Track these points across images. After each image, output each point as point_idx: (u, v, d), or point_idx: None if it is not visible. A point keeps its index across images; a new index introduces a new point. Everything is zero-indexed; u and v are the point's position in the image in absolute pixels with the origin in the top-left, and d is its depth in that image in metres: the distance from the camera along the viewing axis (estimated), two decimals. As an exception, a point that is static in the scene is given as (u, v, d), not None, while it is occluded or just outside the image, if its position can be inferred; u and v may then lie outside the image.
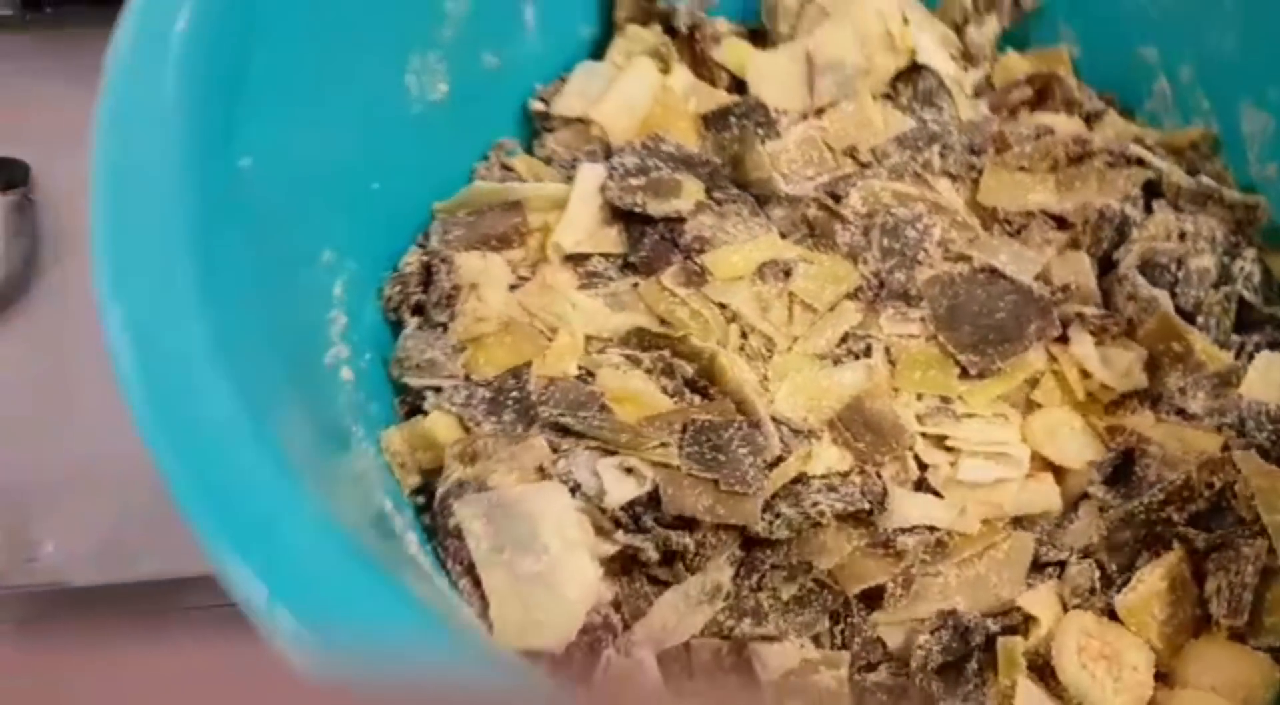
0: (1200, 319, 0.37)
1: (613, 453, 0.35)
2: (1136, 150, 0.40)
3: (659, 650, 0.32)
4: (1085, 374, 0.36)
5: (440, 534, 0.33)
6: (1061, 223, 0.39)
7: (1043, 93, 0.43)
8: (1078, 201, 0.39)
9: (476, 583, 0.32)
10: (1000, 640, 0.31)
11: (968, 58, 0.44)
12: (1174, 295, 0.37)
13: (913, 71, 0.43)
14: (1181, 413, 0.35)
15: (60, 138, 0.33)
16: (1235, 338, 0.37)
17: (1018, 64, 0.44)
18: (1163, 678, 0.30)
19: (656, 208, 0.40)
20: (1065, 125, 0.41)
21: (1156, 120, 0.43)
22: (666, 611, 0.33)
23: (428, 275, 0.38)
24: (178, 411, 0.22)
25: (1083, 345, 0.36)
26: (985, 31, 0.44)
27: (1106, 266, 0.39)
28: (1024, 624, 0.31)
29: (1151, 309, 0.37)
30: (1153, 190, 0.40)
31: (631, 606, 0.34)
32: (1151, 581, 0.30)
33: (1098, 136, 0.41)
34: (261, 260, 0.28)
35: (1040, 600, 0.31)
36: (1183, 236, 0.38)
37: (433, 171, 0.40)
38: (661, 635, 0.33)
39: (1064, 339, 0.37)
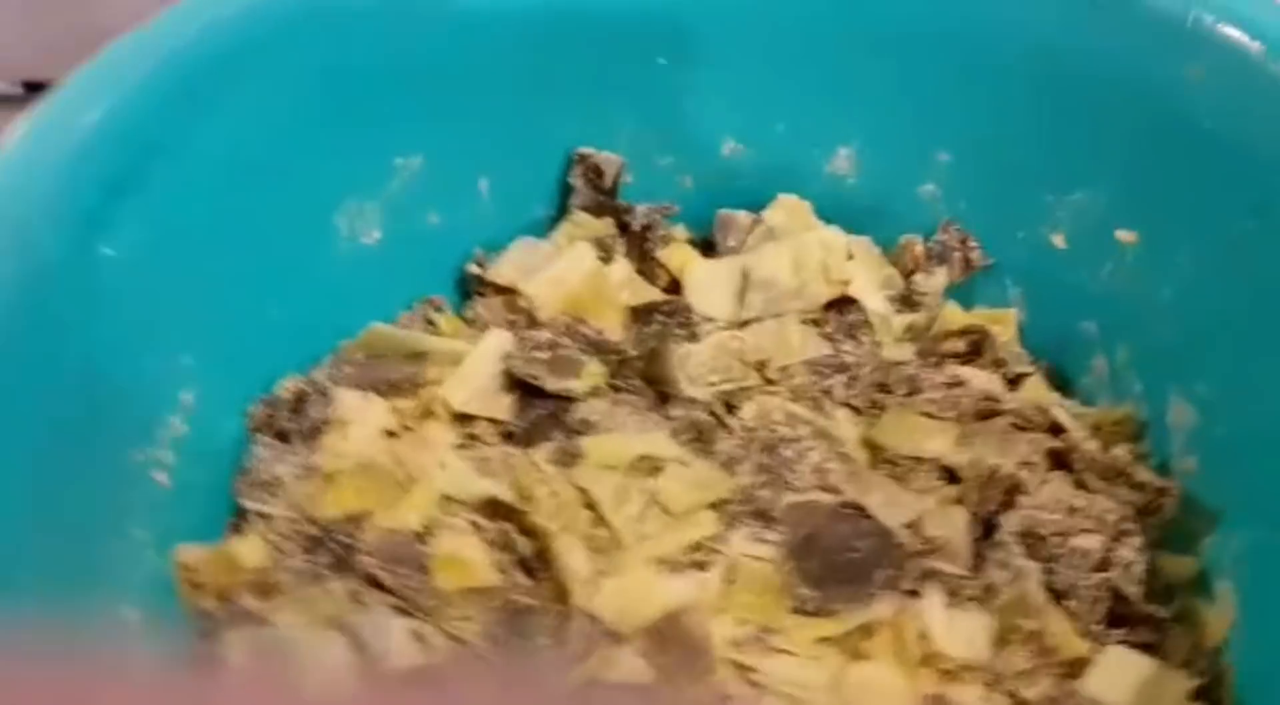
0: (1071, 603, 0.34)
1: (410, 613, 0.33)
2: (1056, 412, 0.39)
3: None
4: (926, 638, 0.33)
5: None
6: (954, 476, 0.38)
7: (977, 348, 0.42)
8: (973, 457, 0.37)
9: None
10: None
11: (909, 303, 0.44)
12: (1050, 572, 0.35)
13: (844, 303, 0.43)
14: (1012, 696, 0.32)
15: None
16: (1104, 630, 0.34)
17: (955, 317, 0.43)
18: None
19: (552, 383, 0.40)
20: (979, 380, 0.40)
21: (1091, 396, 0.41)
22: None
23: (299, 404, 0.38)
24: None
25: (932, 604, 0.34)
26: (933, 282, 0.44)
27: (991, 529, 0.36)
28: None
29: (1019, 581, 0.34)
30: (1061, 463, 0.38)
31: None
32: None
33: (1011, 398, 0.39)
34: (89, 340, 0.29)
35: None
36: (1072, 512, 0.36)
37: (349, 311, 0.41)
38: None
39: (918, 593, 0.34)
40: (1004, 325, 0.43)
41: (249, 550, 0.34)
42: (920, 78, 0.42)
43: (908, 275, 0.45)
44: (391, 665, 0.32)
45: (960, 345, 0.42)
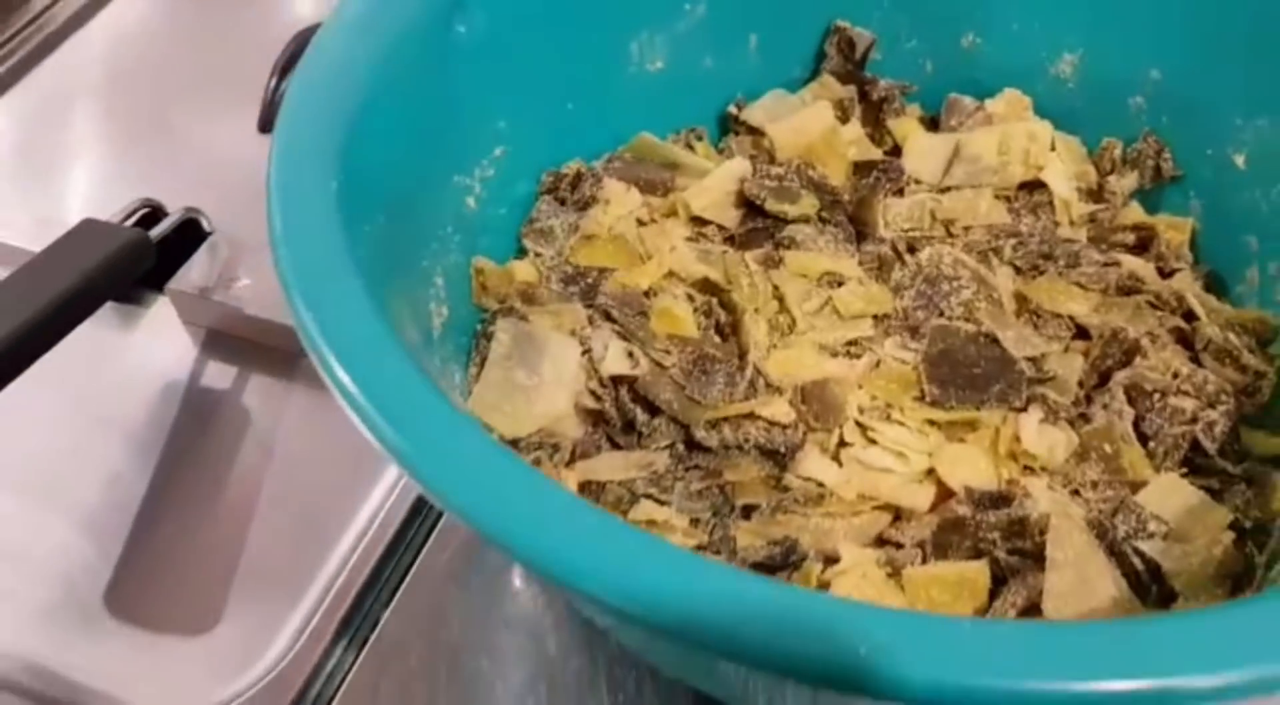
0: (1151, 445, 0.41)
1: (627, 339, 0.44)
2: (1190, 299, 0.45)
3: (580, 480, 0.42)
4: (1019, 439, 0.41)
5: (480, 337, 0.44)
6: (1087, 335, 0.45)
7: (1144, 243, 0.48)
8: (1105, 320, 0.44)
9: (480, 371, 0.43)
10: (807, 563, 0.37)
11: (1097, 198, 0.50)
12: (1143, 419, 0.42)
13: (1036, 186, 0.50)
14: (1075, 493, 0.40)
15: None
16: (1176, 469, 0.40)
17: (1134, 214, 0.49)
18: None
19: (772, 205, 0.49)
20: (1133, 264, 0.46)
21: (1240, 302, 0.47)
22: (605, 462, 0.42)
23: (577, 181, 0.49)
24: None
25: (1029, 418, 0.41)
26: (1124, 183, 0.50)
27: (1106, 380, 0.43)
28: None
29: (1113, 417, 0.41)
30: (1185, 343, 0.44)
31: (585, 448, 0.43)
32: (944, 568, 0.36)
33: (1155, 282, 0.46)
34: (437, 88, 0.41)
35: (854, 554, 0.37)
36: (1177, 377, 0.42)
37: (629, 121, 0.51)
38: (589, 474, 0.42)
39: (1025, 411, 0.42)
40: (1180, 231, 0.49)
41: (524, 270, 0.46)
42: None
43: (1104, 175, 0.51)
44: (606, 369, 0.43)
45: (1130, 238, 0.48)
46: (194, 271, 0.56)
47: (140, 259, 0.51)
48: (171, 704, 0.42)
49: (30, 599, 0.46)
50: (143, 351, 0.56)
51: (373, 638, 0.43)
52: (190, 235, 0.57)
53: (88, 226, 0.51)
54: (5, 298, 0.46)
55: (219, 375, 0.55)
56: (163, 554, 0.47)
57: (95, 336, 0.56)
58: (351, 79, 0.37)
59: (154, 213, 0.57)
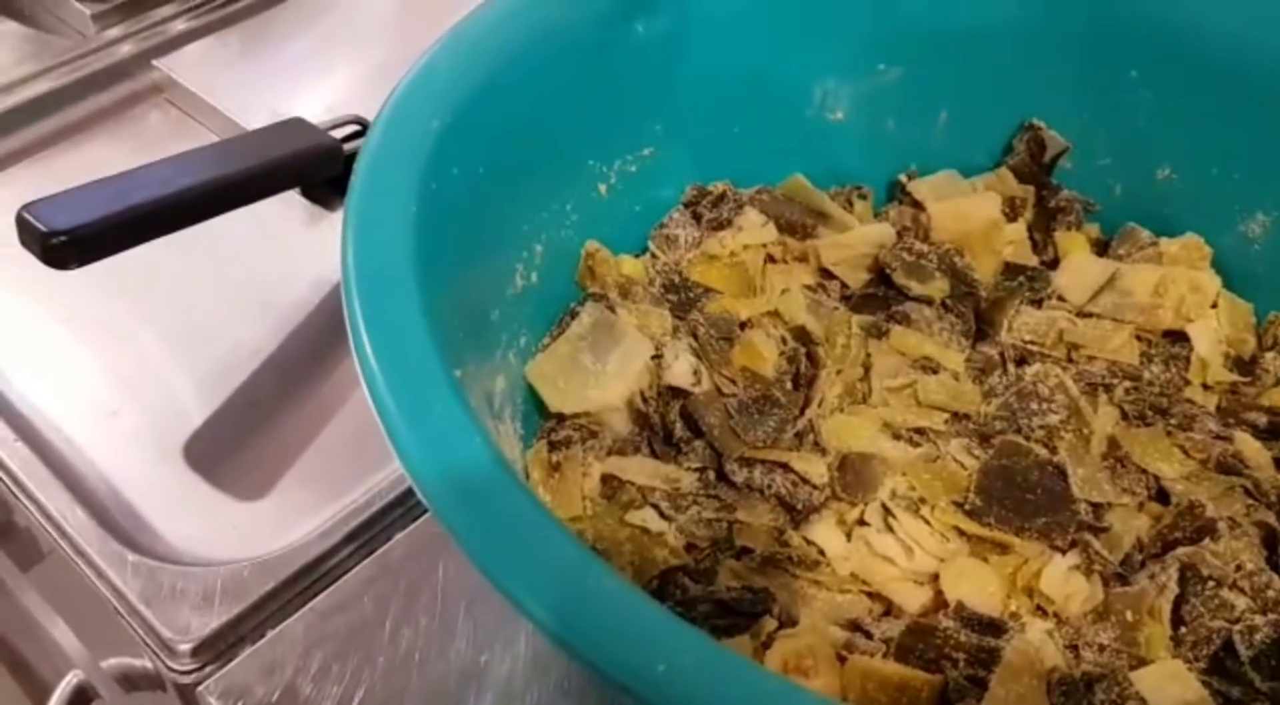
0: (1183, 630, 0.38)
1: (700, 357, 0.45)
2: (1289, 500, 0.41)
3: (605, 472, 0.43)
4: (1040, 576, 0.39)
5: (568, 314, 0.46)
6: (1166, 500, 0.42)
7: (1277, 430, 0.45)
8: (1189, 490, 0.41)
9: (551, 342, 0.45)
10: (765, 618, 0.37)
11: (1246, 368, 0.47)
12: (1185, 601, 0.39)
13: (1179, 337, 0.47)
14: (1070, 647, 0.37)
15: None
16: (1195, 668, 0.37)
17: (1278, 397, 0.46)
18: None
19: (900, 277, 0.49)
20: (1246, 444, 0.43)
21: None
22: (635, 464, 0.43)
23: (719, 200, 0.50)
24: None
25: (1062, 560, 0.39)
26: (1278, 364, 0.46)
27: (1167, 551, 0.40)
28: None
29: (1154, 589, 0.39)
30: (1270, 541, 0.41)
31: (623, 446, 0.44)
32: (890, 668, 0.35)
33: (1260, 469, 0.42)
34: (603, 76, 0.43)
35: (814, 623, 0.37)
36: (1239, 571, 0.39)
37: (790, 160, 0.52)
38: (616, 469, 0.43)
39: (1063, 552, 0.40)
40: (1325, 432, 0.45)
41: (632, 265, 0.48)
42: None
43: (1265, 349, 0.47)
44: (668, 377, 0.44)
45: (1262, 420, 0.45)
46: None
47: (326, 162, 0.56)
48: (195, 546, 0.46)
49: (126, 421, 0.51)
50: (315, 248, 0.62)
51: (379, 551, 0.45)
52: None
53: (293, 123, 0.57)
54: (200, 158, 0.52)
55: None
56: (245, 423, 0.51)
57: (281, 223, 0.62)
58: (496, 41, 0.40)
59: (364, 130, 0.63)
